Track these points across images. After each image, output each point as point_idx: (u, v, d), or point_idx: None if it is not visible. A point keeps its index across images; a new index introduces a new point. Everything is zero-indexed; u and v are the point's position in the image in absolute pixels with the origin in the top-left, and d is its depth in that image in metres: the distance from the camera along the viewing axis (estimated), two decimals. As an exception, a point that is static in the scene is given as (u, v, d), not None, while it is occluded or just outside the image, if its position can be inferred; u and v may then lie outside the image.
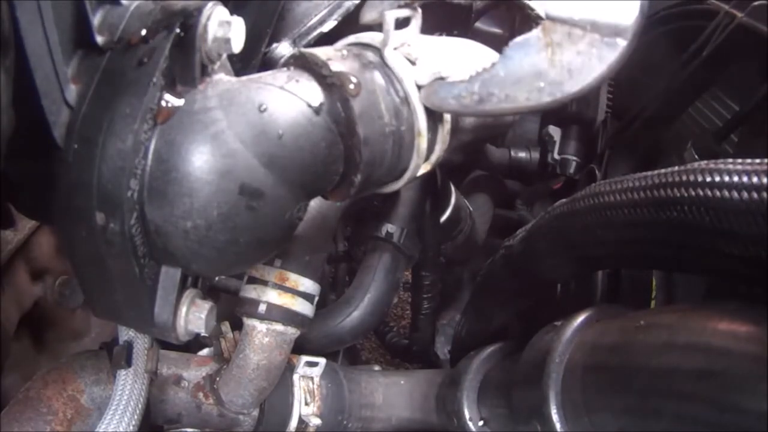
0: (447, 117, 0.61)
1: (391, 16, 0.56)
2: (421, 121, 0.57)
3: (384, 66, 0.57)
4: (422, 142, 0.58)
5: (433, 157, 0.62)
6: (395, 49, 0.57)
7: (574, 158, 1.30)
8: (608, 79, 0.50)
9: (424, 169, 0.62)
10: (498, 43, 0.55)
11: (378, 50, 0.58)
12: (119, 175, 0.45)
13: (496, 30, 1.38)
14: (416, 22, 0.59)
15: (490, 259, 0.96)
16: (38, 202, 0.49)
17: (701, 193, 0.51)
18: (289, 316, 0.81)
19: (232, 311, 0.83)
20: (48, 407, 0.74)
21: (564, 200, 0.72)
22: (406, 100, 0.57)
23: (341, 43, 0.61)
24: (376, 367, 1.10)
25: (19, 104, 0.45)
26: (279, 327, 0.80)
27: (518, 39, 0.50)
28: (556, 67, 0.49)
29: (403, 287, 1.53)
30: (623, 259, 0.75)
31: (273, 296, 0.80)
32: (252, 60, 0.80)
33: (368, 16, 0.57)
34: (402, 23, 0.58)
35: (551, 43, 0.49)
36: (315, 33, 0.86)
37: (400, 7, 0.56)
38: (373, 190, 0.62)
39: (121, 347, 0.73)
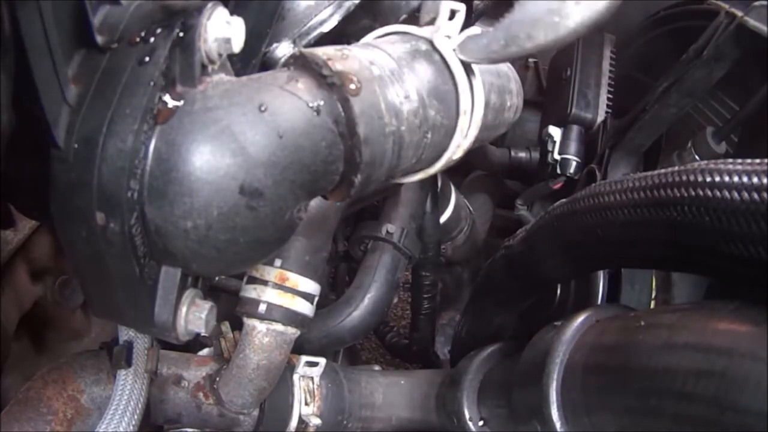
0: (480, 102, 0.65)
1: (446, 6, 0.61)
2: (465, 102, 0.63)
3: (433, 51, 0.63)
4: (465, 122, 0.63)
5: (466, 143, 0.66)
6: (448, 36, 0.62)
7: (574, 158, 1.30)
8: (616, 7, 0.54)
9: (458, 154, 0.66)
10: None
11: (423, 39, 0.63)
12: (119, 175, 0.45)
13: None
14: (461, 16, 0.63)
15: (490, 259, 0.96)
16: (38, 202, 0.49)
17: (701, 193, 0.51)
18: (289, 316, 0.81)
19: (232, 311, 0.83)
20: (48, 407, 0.74)
21: (564, 200, 0.72)
22: (452, 82, 0.62)
23: (384, 30, 0.66)
24: (376, 367, 1.10)
25: (19, 104, 0.45)
26: (279, 327, 0.80)
27: None
28: (565, 0, 0.53)
29: (403, 287, 1.53)
30: (623, 259, 0.75)
31: (273, 296, 0.80)
32: (252, 60, 0.80)
33: (427, 17, 0.64)
34: (451, 16, 0.63)
35: None
36: (315, 33, 0.86)
37: None
38: (411, 175, 0.66)
39: (121, 347, 0.73)
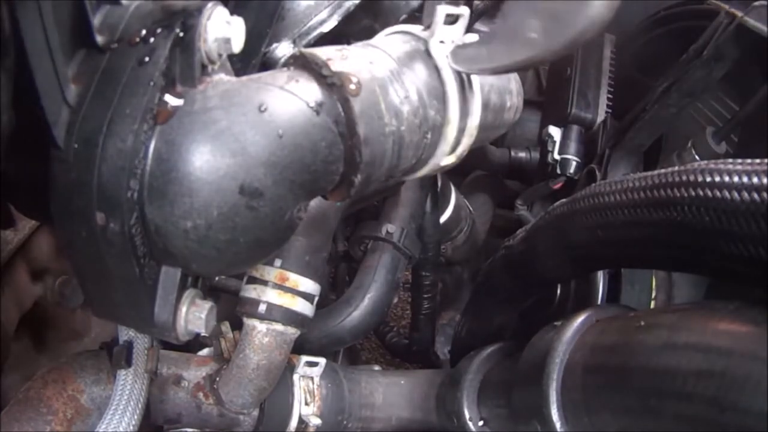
0: (476, 110, 0.64)
1: (442, 10, 0.60)
2: (453, 111, 0.61)
3: (427, 56, 0.61)
4: (450, 131, 0.62)
5: (459, 149, 0.65)
6: (441, 42, 0.61)
7: (574, 158, 1.30)
8: (601, 26, 0.51)
9: (449, 161, 0.65)
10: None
11: (424, 41, 0.63)
12: (119, 175, 0.45)
13: (496, 30, 1.38)
14: (463, 21, 0.61)
15: (490, 259, 0.96)
16: (38, 202, 0.49)
17: (701, 193, 0.51)
18: (289, 316, 0.81)
19: (232, 311, 0.83)
20: (48, 407, 0.74)
21: (564, 200, 0.72)
22: (442, 89, 0.61)
23: (390, 30, 0.65)
24: (376, 367, 1.10)
25: (19, 104, 0.45)
26: (279, 327, 0.80)
27: None
28: (543, 16, 0.51)
29: (403, 287, 1.53)
30: (623, 259, 0.75)
31: (273, 296, 0.80)
32: (252, 60, 0.80)
33: (427, 20, 0.62)
34: (452, 21, 0.61)
35: None
36: (315, 33, 0.86)
37: (449, 2, 0.61)
38: (397, 178, 0.65)
39: (121, 347, 0.73)
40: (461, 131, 0.64)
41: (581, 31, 0.50)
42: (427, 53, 0.62)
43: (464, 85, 0.62)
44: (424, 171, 0.66)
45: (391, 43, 0.63)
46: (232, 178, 0.47)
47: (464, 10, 0.61)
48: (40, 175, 0.47)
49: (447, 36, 0.61)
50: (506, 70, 0.57)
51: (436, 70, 0.61)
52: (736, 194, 0.48)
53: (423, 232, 1.22)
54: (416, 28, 0.65)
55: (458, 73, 0.61)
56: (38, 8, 0.42)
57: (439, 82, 0.61)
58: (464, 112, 0.63)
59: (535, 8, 0.52)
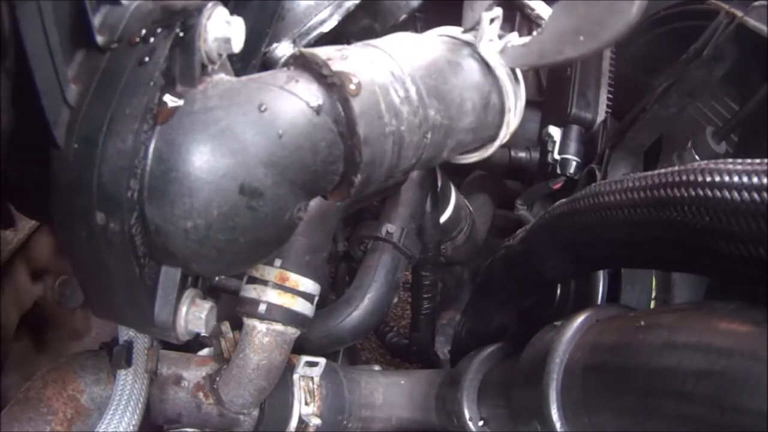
0: (521, 95, 0.71)
1: (487, 16, 0.67)
2: (511, 100, 0.69)
3: (477, 56, 0.68)
4: (512, 118, 0.70)
5: (511, 129, 0.72)
6: (490, 41, 0.68)
7: (574, 158, 1.30)
8: (633, 26, 0.59)
9: (506, 140, 0.74)
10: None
11: (467, 43, 0.69)
12: (119, 175, 0.45)
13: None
14: (499, 21, 0.68)
15: (490, 259, 0.96)
16: (38, 202, 0.49)
17: (701, 193, 0.51)
18: (289, 316, 0.81)
19: (232, 311, 0.83)
20: (48, 407, 0.74)
21: (564, 200, 0.72)
22: (497, 85, 0.68)
23: (435, 32, 0.71)
24: (376, 367, 1.10)
25: (19, 104, 0.45)
26: (279, 327, 0.80)
27: (560, 2, 0.63)
28: (589, 22, 0.59)
29: (403, 287, 1.53)
30: (623, 259, 0.75)
31: (273, 296, 0.80)
32: (252, 60, 0.80)
33: (469, 23, 0.69)
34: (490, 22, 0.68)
35: (584, 2, 0.60)
36: (315, 33, 0.86)
37: (489, 9, 0.68)
38: (457, 156, 0.72)
39: (121, 347, 0.73)
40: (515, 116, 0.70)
41: (620, 33, 0.58)
42: (474, 52, 0.68)
43: (510, 78, 0.69)
44: (488, 152, 0.73)
45: (392, 42, 0.63)
46: (232, 178, 0.47)
47: (500, 12, 0.67)
48: (40, 175, 0.47)
49: (490, 35, 0.67)
50: (557, 65, 0.68)
51: (486, 66, 0.68)
52: (736, 194, 0.48)
53: (423, 232, 1.22)
54: (455, 30, 0.70)
55: (506, 68, 0.69)
56: (38, 8, 0.42)
57: (492, 77, 0.68)
58: (514, 101, 0.69)
59: (585, 18, 0.59)
